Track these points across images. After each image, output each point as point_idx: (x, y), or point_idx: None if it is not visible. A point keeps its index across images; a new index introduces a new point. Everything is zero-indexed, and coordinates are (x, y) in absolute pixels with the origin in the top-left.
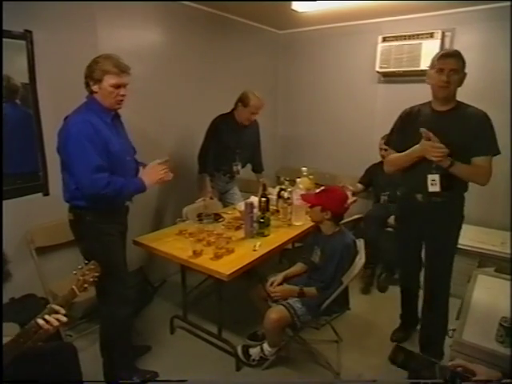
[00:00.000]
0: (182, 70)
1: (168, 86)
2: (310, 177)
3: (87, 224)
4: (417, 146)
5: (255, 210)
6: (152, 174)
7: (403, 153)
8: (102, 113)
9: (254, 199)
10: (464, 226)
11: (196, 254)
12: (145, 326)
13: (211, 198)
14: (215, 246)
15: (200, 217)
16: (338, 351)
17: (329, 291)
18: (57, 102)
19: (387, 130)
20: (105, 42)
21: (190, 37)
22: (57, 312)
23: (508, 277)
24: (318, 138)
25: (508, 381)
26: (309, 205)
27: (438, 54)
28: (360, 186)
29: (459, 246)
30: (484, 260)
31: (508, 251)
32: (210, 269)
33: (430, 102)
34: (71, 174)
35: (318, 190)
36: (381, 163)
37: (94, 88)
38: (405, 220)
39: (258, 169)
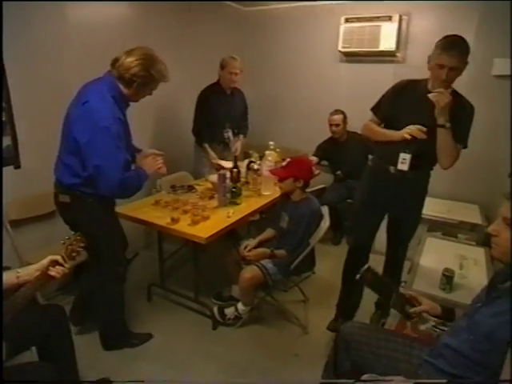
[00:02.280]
0: (149, 44)
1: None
2: (277, 150)
3: (88, 207)
4: (400, 132)
5: (228, 181)
6: (151, 164)
7: (385, 132)
8: (123, 103)
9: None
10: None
11: (174, 220)
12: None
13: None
14: (191, 213)
15: (174, 188)
16: (306, 309)
17: (297, 253)
18: (25, 74)
19: (350, 107)
20: (72, 13)
21: (156, 10)
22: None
23: (452, 238)
24: (283, 114)
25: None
26: (279, 178)
27: (441, 41)
28: (315, 159)
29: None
30: (433, 225)
31: (453, 217)
32: (188, 233)
33: (426, 81)
34: (98, 168)
35: (284, 163)
36: (331, 140)
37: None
38: (374, 190)
39: (244, 131)
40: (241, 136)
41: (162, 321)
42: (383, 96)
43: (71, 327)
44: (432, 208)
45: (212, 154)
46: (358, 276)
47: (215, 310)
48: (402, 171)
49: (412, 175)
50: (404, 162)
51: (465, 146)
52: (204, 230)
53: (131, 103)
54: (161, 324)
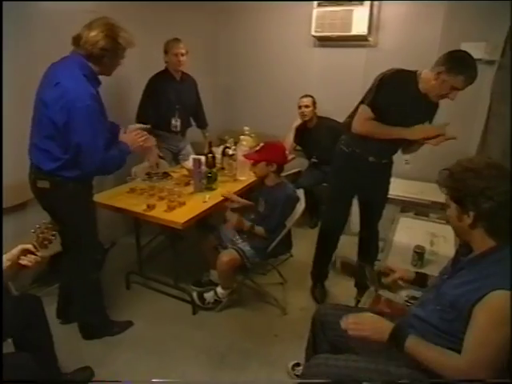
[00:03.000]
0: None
1: None
2: (252, 135)
3: (67, 192)
4: (407, 129)
5: (203, 167)
6: (133, 139)
7: (399, 130)
8: (95, 80)
9: (202, 157)
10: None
11: (150, 207)
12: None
13: (161, 158)
14: (167, 199)
15: (149, 175)
16: (284, 291)
17: (275, 235)
18: None
19: (323, 92)
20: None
21: None
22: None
23: (424, 218)
24: (258, 100)
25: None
26: (252, 162)
27: (457, 61)
28: (293, 144)
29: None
30: (406, 206)
31: (425, 198)
32: (164, 219)
33: (415, 75)
34: (80, 148)
35: (257, 148)
36: (302, 125)
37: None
38: (350, 176)
39: (202, 124)
40: (204, 131)
41: (141, 308)
42: (377, 90)
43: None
44: (405, 189)
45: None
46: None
47: (194, 295)
48: (380, 160)
49: (386, 162)
50: (407, 162)
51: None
52: (180, 216)
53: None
54: (141, 311)
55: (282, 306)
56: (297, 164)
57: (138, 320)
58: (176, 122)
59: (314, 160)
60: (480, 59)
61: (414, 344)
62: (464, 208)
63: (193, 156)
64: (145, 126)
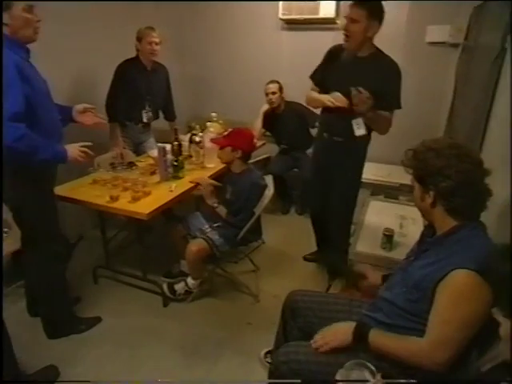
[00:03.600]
0: (86, 12)
1: (70, 28)
2: (220, 122)
3: (23, 183)
4: (325, 96)
5: (169, 155)
6: (75, 152)
7: (315, 96)
8: (17, 47)
9: (168, 145)
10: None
11: (113, 198)
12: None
13: (124, 148)
14: (132, 190)
15: (113, 165)
16: (257, 278)
17: (243, 223)
18: None
19: (292, 76)
20: None
21: None
22: None
23: (393, 200)
24: (226, 86)
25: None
26: (219, 147)
27: None
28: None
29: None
30: (376, 189)
31: (394, 181)
32: (129, 210)
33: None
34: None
35: (225, 133)
36: (270, 111)
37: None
38: (322, 158)
39: (170, 116)
40: (172, 124)
41: (110, 303)
42: (320, 64)
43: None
44: (375, 173)
45: (119, 137)
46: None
47: (165, 286)
48: (349, 139)
49: (350, 143)
50: (359, 126)
51: (399, 107)
52: (145, 206)
53: None
54: (109, 306)
55: (254, 293)
56: (267, 150)
57: (107, 315)
58: (147, 115)
59: (283, 146)
60: (444, 42)
61: (376, 337)
62: (425, 187)
63: (158, 144)
64: (90, 106)
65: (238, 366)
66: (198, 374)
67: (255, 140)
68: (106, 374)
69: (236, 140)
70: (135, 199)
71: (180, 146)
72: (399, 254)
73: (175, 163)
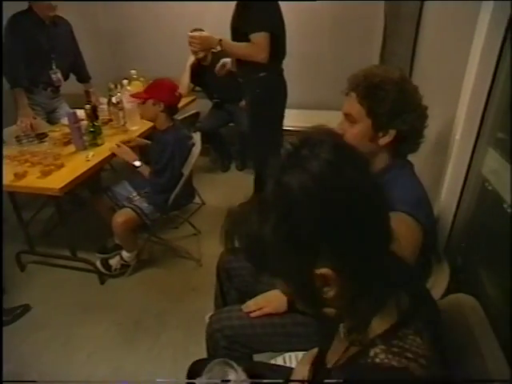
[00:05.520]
0: None
1: None
2: (141, 79)
3: None
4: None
5: (83, 122)
6: None
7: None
8: None
9: (79, 111)
10: (292, 111)
11: (18, 176)
12: None
13: (34, 118)
14: (42, 164)
15: (18, 138)
16: (198, 242)
17: (164, 179)
18: None
19: (215, 24)
20: None
21: None
22: None
23: None
24: (146, 41)
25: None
26: (141, 101)
27: None
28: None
29: (291, 129)
30: None
31: (333, 126)
32: (38, 187)
33: None
34: None
35: (146, 86)
36: (198, 64)
37: None
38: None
39: (83, 77)
40: (87, 86)
41: (41, 289)
42: None
43: None
44: (311, 120)
45: (25, 105)
46: None
47: (98, 263)
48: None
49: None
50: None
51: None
52: (57, 180)
53: None
54: (41, 292)
55: (196, 257)
56: (198, 106)
57: (39, 302)
58: (56, 75)
59: (215, 100)
60: None
61: None
62: (382, 125)
63: (67, 110)
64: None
65: (184, 337)
66: (140, 349)
67: (179, 91)
68: (42, 363)
69: (156, 92)
70: (45, 174)
71: (94, 109)
72: None
73: (91, 129)
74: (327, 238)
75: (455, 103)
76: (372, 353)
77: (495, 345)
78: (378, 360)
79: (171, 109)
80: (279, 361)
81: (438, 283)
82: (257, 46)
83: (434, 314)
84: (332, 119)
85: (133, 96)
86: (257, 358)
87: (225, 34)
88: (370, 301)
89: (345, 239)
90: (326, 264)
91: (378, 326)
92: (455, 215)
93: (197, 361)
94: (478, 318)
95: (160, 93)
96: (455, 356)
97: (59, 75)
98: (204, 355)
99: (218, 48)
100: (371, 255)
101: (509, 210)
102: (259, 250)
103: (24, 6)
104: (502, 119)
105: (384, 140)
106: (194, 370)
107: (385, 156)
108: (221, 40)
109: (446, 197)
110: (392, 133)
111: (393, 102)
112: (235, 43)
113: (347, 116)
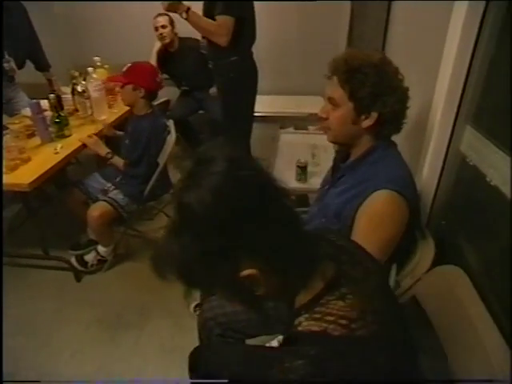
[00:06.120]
0: None
1: None
2: (106, 66)
3: None
4: None
5: (47, 113)
6: None
7: None
8: None
9: (43, 101)
10: (263, 97)
11: None
12: None
13: None
14: (6, 158)
15: None
16: None
17: (141, 169)
18: None
19: None
20: None
21: None
22: None
23: (303, 131)
24: (108, 26)
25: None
26: (119, 86)
27: None
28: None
29: (262, 114)
30: (285, 122)
31: (302, 111)
32: (5, 183)
33: None
34: None
35: (124, 69)
36: (164, 50)
37: None
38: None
39: (42, 65)
40: (47, 75)
41: (12, 292)
42: None
43: None
44: (281, 105)
45: None
46: None
47: (73, 260)
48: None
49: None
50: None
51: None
52: (25, 175)
53: None
54: (14, 295)
55: None
56: (166, 94)
57: (9, 307)
58: (9, 64)
59: (184, 88)
60: None
61: None
62: (364, 108)
63: (31, 101)
64: None
65: (169, 327)
66: (125, 344)
67: (159, 75)
68: (23, 368)
69: (137, 76)
70: (11, 169)
71: (59, 98)
72: (315, 183)
73: (57, 120)
74: (239, 243)
75: (432, 84)
76: (297, 321)
77: (483, 310)
78: (300, 328)
79: (151, 95)
80: (274, 344)
81: (424, 257)
82: (220, 27)
83: (366, 273)
84: (302, 104)
85: (112, 80)
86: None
87: None
88: (296, 281)
89: (255, 239)
90: (248, 265)
91: (304, 296)
92: (436, 190)
93: (194, 350)
94: (466, 287)
95: (141, 78)
96: (443, 323)
97: (12, 64)
98: (191, 343)
99: (184, 16)
100: (286, 244)
101: (492, 183)
102: (186, 271)
103: None
104: (479, 97)
105: (366, 123)
106: (193, 361)
107: (369, 138)
108: (189, 8)
109: (428, 173)
110: (374, 115)
111: (372, 86)
112: (203, 17)
113: (330, 100)
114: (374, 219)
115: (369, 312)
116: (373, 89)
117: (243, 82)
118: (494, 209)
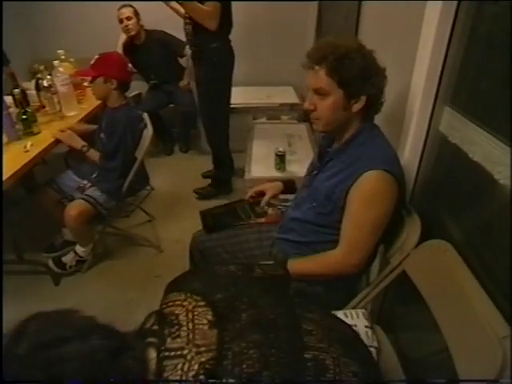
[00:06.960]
0: None
1: None
2: (71, 60)
3: None
4: None
5: (11, 108)
6: None
7: None
8: None
9: (6, 97)
10: (234, 88)
11: None
12: None
13: None
14: None
15: None
16: (154, 228)
17: (117, 163)
18: None
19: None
20: None
21: None
22: None
23: (277, 121)
24: (71, 18)
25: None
26: (89, 80)
27: None
28: None
29: (235, 106)
30: (257, 112)
31: (274, 101)
32: None
33: None
34: None
35: (92, 61)
36: (129, 43)
37: None
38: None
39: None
40: (6, 69)
41: None
42: None
43: None
44: (253, 96)
45: None
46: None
47: (50, 262)
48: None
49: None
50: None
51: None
52: None
53: None
54: None
55: (155, 244)
56: (135, 87)
57: None
58: None
59: (153, 81)
60: None
61: (294, 266)
62: (353, 93)
63: None
64: None
65: None
66: None
67: (129, 65)
68: None
69: (106, 68)
70: None
71: (24, 94)
72: (294, 171)
73: (23, 117)
74: None
75: (409, 68)
76: None
77: (473, 280)
78: None
79: (124, 86)
80: None
81: (411, 233)
82: (211, 12)
83: None
84: (272, 94)
85: (80, 74)
86: None
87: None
88: None
89: None
90: None
91: None
92: (418, 168)
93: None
94: (454, 259)
95: (111, 69)
96: (434, 295)
97: None
98: None
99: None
100: None
101: (474, 158)
102: None
103: None
104: (457, 78)
105: (357, 107)
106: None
107: (356, 121)
108: None
109: (409, 154)
110: (363, 98)
111: (360, 69)
112: (195, 1)
113: (317, 90)
114: (366, 199)
115: None
116: (360, 72)
117: (225, 66)
118: (476, 183)
